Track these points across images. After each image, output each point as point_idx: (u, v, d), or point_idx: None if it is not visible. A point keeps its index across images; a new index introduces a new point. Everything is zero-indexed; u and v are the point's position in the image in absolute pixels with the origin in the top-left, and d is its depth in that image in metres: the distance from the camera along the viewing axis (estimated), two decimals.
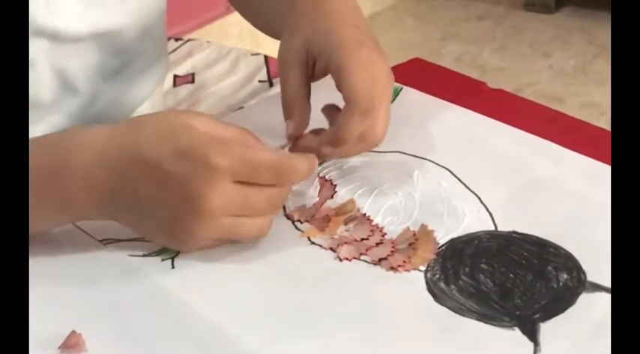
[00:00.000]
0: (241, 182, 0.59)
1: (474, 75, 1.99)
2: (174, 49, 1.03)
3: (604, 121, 1.78)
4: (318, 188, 0.68)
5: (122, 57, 0.79)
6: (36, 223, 0.59)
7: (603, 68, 2.02)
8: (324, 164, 0.71)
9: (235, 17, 1.48)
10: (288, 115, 0.68)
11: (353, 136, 0.65)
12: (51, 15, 0.71)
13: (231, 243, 0.62)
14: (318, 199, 0.67)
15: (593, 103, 1.90)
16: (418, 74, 0.84)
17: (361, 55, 0.66)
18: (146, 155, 0.58)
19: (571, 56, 2.07)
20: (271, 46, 0.82)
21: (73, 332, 0.55)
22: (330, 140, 0.66)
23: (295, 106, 0.68)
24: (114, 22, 0.76)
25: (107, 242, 0.63)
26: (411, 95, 0.79)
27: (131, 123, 0.62)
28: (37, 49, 0.71)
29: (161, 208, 0.58)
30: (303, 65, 0.68)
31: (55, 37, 0.72)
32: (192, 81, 0.97)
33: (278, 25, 0.75)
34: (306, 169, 0.61)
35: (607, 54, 2.06)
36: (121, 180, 0.59)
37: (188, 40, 1.05)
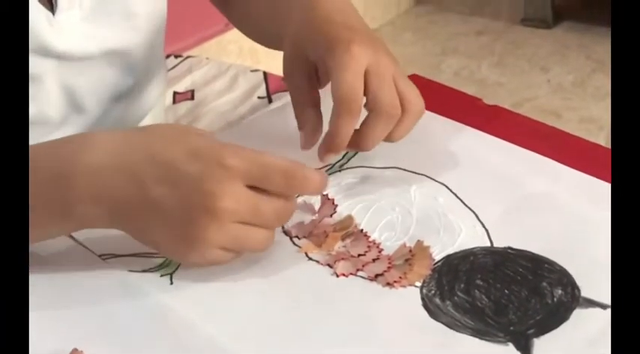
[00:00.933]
0: (252, 188, 0.59)
1: (473, 90, 2.01)
2: (174, 66, 1.04)
3: (602, 136, 1.79)
4: (319, 205, 0.68)
5: (130, 75, 0.80)
6: (34, 232, 0.59)
7: (601, 83, 2.02)
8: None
9: (234, 34, 1.49)
10: (299, 126, 0.69)
11: (346, 138, 0.66)
12: (56, 35, 0.71)
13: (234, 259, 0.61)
14: (317, 215, 0.67)
15: (592, 118, 1.91)
16: None
17: (349, 53, 0.65)
18: (160, 156, 0.58)
19: (569, 71, 2.08)
20: (270, 63, 0.83)
21: (75, 350, 0.55)
22: (328, 146, 0.67)
23: (303, 116, 0.69)
24: (121, 40, 0.77)
25: (106, 257, 0.64)
26: None
27: (144, 128, 0.63)
28: (45, 68, 0.72)
29: (173, 208, 0.58)
30: (305, 75, 0.69)
31: (62, 56, 0.73)
32: (192, 97, 0.97)
33: (275, 35, 0.76)
34: (317, 182, 0.61)
35: (605, 69, 2.06)
36: (133, 181, 0.58)
37: (188, 57, 1.06)
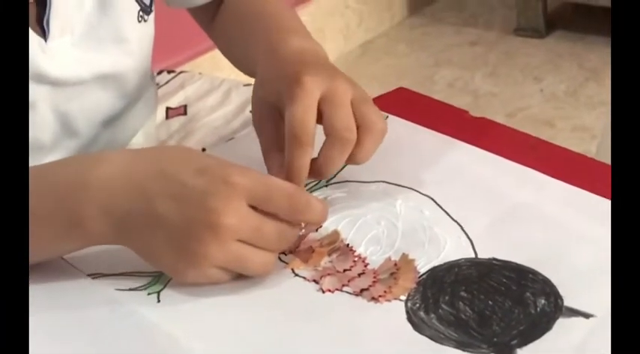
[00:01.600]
0: (255, 209, 0.60)
1: (467, 100, 2.01)
2: (167, 82, 1.04)
3: (595, 145, 1.79)
4: None
5: (122, 98, 0.81)
6: (39, 249, 0.61)
7: (594, 92, 2.03)
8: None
9: None
10: (268, 169, 0.70)
11: (302, 170, 0.66)
12: (49, 61, 0.73)
13: (231, 280, 0.62)
14: (303, 231, 0.67)
15: (585, 127, 1.91)
16: (403, 103, 0.85)
17: (299, 86, 0.66)
18: (169, 172, 0.60)
19: (562, 80, 2.08)
20: None
21: None
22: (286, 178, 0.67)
23: (270, 160, 0.70)
24: (114, 65, 0.78)
25: (94, 276, 0.64)
26: (396, 124, 0.80)
27: (154, 147, 0.66)
28: (38, 94, 0.73)
29: (176, 223, 0.59)
30: (271, 120, 0.70)
31: (55, 82, 0.74)
32: (185, 113, 0.98)
33: (248, 68, 0.78)
34: (319, 210, 0.62)
35: (598, 78, 2.07)
36: (142, 195, 0.60)
37: (180, 73, 1.06)
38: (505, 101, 2.01)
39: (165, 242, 0.60)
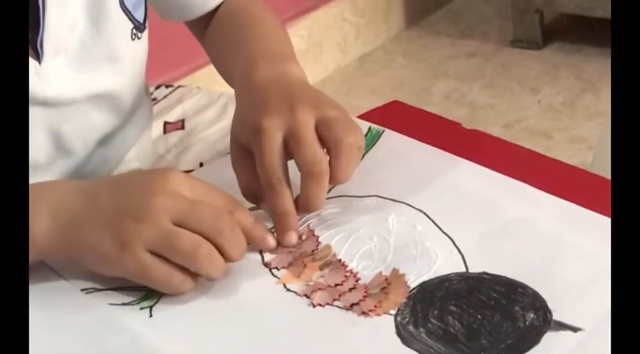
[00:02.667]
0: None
1: (464, 112, 2.02)
2: (165, 96, 1.04)
3: (592, 156, 1.79)
4: (304, 237, 0.69)
5: (117, 117, 0.81)
6: None
7: (591, 103, 2.03)
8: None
9: None
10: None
11: (289, 214, 0.67)
12: (43, 84, 0.73)
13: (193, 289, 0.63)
14: (297, 248, 0.68)
15: (582, 138, 1.91)
16: (396, 116, 0.86)
17: (261, 134, 0.67)
18: (118, 176, 0.66)
19: (559, 91, 2.09)
20: None
21: None
22: (276, 227, 0.68)
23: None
24: (107, 84, 0.79)
25: (87, 291, 0.65)
26: (390, 138, 0.80)
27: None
28: (32, 115, 0.73)
29: (113, 208, 0.62)
30: (245, 162, 0.70)
31: (49, 103, 0.74)
32: (183, 127, 0.98)
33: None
34: (251, 220, 0.64)
35: (595, 89, 2.08)
36: (89, 195, 0.64)
37: (178, 87, 1.07)
38: (502, 113, 2.02)
39: (100, 228, 0.62)
